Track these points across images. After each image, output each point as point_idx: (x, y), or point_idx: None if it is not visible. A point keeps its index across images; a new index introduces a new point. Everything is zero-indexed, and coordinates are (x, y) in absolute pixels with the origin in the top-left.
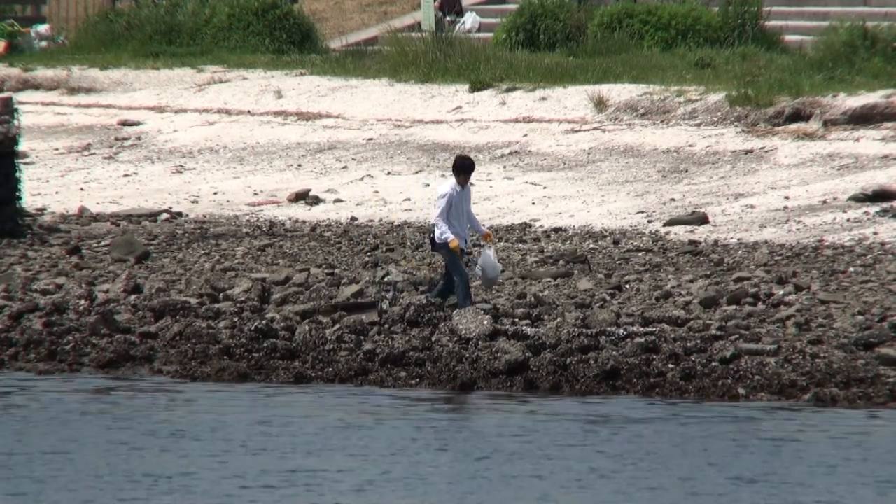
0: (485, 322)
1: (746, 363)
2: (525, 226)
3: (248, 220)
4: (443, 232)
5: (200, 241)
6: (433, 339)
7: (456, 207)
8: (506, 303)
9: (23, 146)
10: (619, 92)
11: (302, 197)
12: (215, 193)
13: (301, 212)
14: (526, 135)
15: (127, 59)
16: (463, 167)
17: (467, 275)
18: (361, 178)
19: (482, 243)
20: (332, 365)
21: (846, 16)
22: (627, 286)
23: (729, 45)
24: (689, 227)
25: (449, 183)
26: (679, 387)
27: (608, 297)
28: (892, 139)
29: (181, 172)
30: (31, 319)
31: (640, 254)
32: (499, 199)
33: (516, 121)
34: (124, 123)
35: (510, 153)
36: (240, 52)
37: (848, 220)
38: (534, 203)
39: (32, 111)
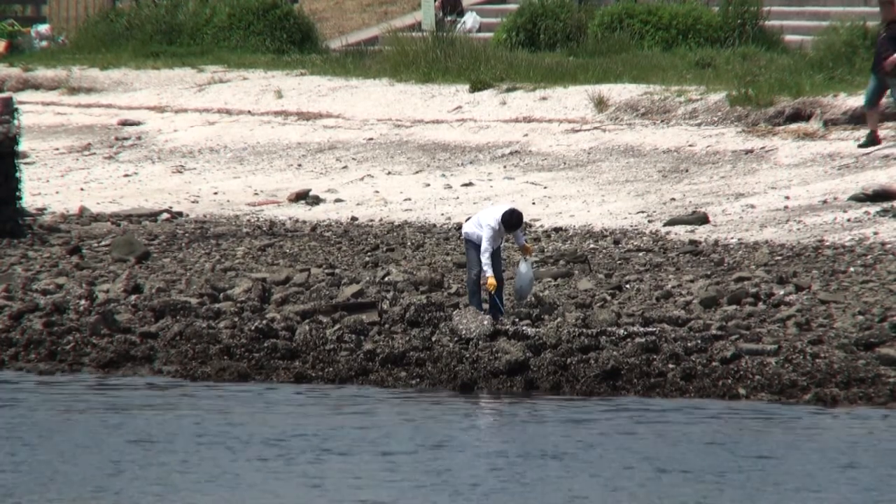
0: (485, 322)
1: (747, 363)
2: (525, 226)
3: (248, 220)
4: (486, 268)
5: (200, 241)
6: (433, 339)
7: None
8: (505, 303)
9: (23, 146)
10: (620, 92)
11: (302, 197)
12: (215, 193)
13: (301, 212)
14: (526, 135)
15: (127, 58)
16: (510, 224)
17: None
18: (362, 178)
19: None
20: (333, 365)
21: (846, 16)
22: (628, 286)
23: (729, 44)
24: (689, 227)
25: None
26: (679, 387)
27: (608, 297)
28: (893, 139)
29: (181, 172)
30: (31, 319)
31: (640, 254)
32: (499, 198)
33: (516, 121)
34: (124, 123)
35: (510, 153)
36: (240, 52)
37: (848, 220)
38: (534, 203)
39: (32, 111)
